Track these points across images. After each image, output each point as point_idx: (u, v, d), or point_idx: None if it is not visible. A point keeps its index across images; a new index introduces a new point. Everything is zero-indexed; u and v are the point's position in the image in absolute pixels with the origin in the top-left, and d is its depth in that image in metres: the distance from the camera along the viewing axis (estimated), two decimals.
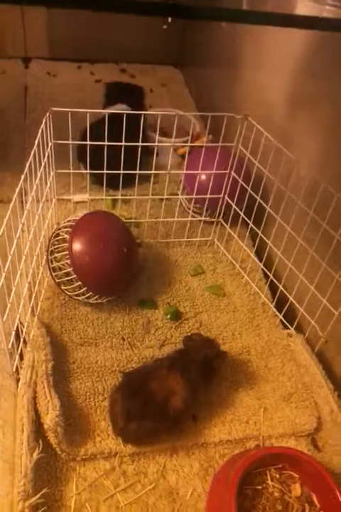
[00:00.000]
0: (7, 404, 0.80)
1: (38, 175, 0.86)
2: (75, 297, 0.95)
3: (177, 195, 1.21)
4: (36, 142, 0.84)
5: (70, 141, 0.93)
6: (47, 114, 0.88)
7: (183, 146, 1.36)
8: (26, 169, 0.79)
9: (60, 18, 1.77)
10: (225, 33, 1.49)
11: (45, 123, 0.88)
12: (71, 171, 0.98)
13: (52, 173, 0.98)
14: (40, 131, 0.85)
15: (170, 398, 0.77)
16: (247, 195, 1.05)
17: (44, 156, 0.89)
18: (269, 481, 0.76)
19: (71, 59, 1.84)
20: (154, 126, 1.11)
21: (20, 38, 1.78)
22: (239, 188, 1.06)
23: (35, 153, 0.83)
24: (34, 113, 1.49)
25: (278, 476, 0.77)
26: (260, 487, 0.75)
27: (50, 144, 0.93)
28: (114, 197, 1.20)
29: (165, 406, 0.77)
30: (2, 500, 0.70)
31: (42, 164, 0.89)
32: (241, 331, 1.02)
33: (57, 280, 0.95)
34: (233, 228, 1.14)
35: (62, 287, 0.95)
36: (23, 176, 0.77)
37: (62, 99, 1.61)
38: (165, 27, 1.75)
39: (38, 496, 0.69)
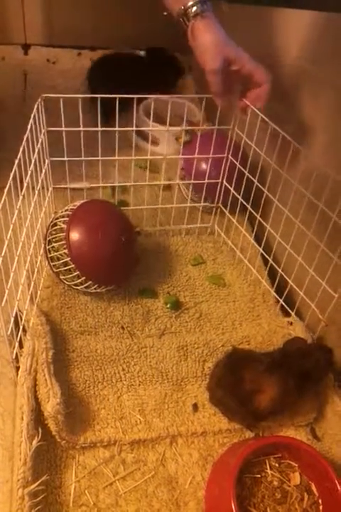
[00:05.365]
0: (6, 392, 0.81)
1: (32, 162, 0.85)
2: (74, 287, 0.95)
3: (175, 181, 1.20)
4: (28, 127, 0.83)
5: (63, 128, 0.91)
6: (39, 100, 0.87)
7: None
8: (20, 154, 0.78)
9: (59, 5, 1.75)
10: (226, 19, 1.46)
11: (37, 109, 0.87)
12: (66, 158, 0.97)
13: (46, 161, 0.97)
14: (31, 117, 0.85)
15: (256, 394, 0.78)
16: (245, 179, 1.04)
17: (38, 143, 0.88)
18: (268, 470, 0.76)
19: (71, 46, 1.82)
20: (154, 114, 1.10)
21: (20, 24, 1.75)
22: (236, 172, 1.05)
23: (28, 140, 0.82)
24: (33, 100, 1.45)
25: (277, 464, 0.77)
26: (259, 476, 0.75)
27: (42, 130, 0.92)
28: (112, 184, 1.18)
29: (249, 397, 0.78)
30: (2, 487, 0.70)
31: (36, 151, 0.87)
32: (242, 320, 1.01)
33: (55, 270, 0.94)
34: (232, 213, 1.13)
35: (61, 277, 0.94)
36: (16, 161, 0.76)
37: (62, 86, 1.59)
38: (165, 14, 1.72)
39: (37, 483, 0.70)
